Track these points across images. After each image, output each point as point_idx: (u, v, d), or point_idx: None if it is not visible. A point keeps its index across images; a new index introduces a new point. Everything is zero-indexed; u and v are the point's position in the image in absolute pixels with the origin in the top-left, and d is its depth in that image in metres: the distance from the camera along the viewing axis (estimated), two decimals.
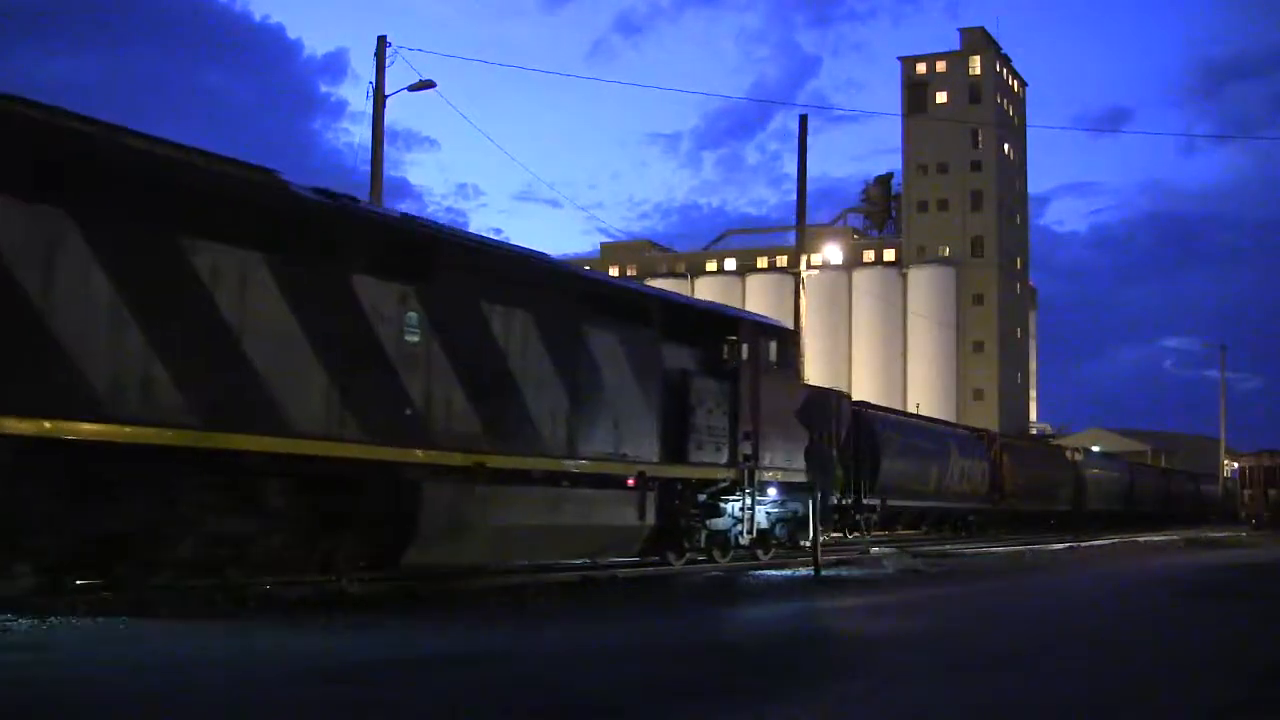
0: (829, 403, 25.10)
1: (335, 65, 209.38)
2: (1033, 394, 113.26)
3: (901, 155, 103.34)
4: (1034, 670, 8.64)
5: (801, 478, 19.02)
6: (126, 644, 8.43)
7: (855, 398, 36.31)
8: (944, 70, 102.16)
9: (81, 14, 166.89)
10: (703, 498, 17.78)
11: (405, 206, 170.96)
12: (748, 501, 18.28)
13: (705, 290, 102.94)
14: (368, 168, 26.67)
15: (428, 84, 27.14)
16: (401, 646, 8.86)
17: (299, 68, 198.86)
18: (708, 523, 17.99)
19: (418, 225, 13.60)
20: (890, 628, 11.36)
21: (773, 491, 19.06)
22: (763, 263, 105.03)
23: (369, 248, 12.40)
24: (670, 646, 9.36)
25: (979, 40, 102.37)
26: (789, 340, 20.34)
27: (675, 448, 16.78)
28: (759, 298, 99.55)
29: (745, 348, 18.48)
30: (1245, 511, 56.00)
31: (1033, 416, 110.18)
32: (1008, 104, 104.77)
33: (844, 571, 18.41)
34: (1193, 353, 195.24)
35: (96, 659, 7.75)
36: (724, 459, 17.73)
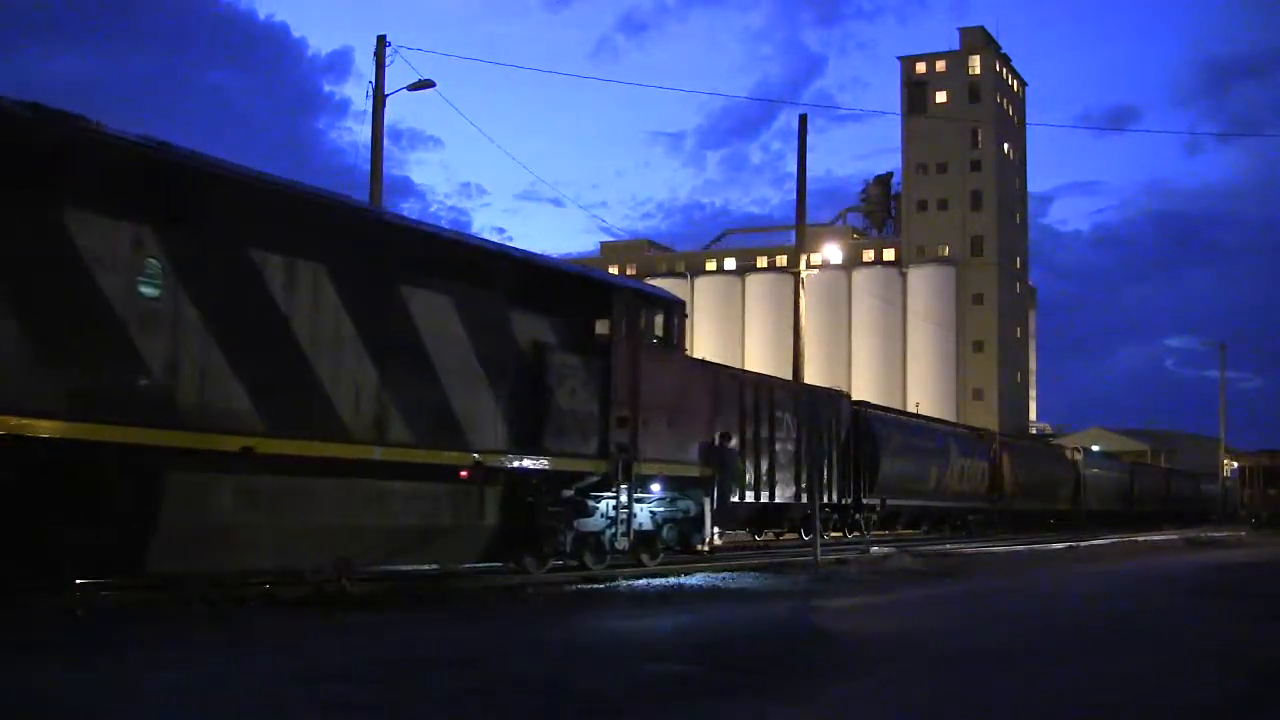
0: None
1: (339, 64, 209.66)
2: (1032, 393, 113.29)
3: (901, 155, 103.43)
4: (1034, 669, 8.64)
5: (694, 471, 17.13)
6: (127, 644, 8.44)
7: (855, 397, 36.34)
8: (944, 70, 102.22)
9: (85, 13, 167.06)
10: (569, 494, 15.23)
11: (408, 205, 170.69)
12: (624, 499, 15.83)
13: (705, 290, 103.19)
14: (369, 166, 26.68)
15: (427, 84, 27.15)
16: (401, 646, 8.85)
17: (303, 67, 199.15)
18: (575, 523, 15.46)
19: (165, 151, 10.82)
20: (891, 628, 11.36)
21: (657, 487, 16.78)
22: (762, 262, 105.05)
23: (90, 175, 9.98)
24: (657, 643, 9.36)
25: (979, 40, 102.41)
26: (676, 313, 17.39)
27: (527, 434, 14.35)
28: (759, 297, 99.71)
29: (622, 320, 15.90)
30: (1245, 511, 56.01)
31: (1032, 416, 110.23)
32: (1007, 103, 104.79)
33: (845, 569, 18.42)
34: (1194, 352, 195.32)
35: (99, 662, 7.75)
36: (593, 449, 15.34)
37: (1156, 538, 37.80)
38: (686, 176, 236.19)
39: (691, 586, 14.74)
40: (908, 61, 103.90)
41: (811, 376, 36.80)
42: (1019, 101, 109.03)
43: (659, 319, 16.93)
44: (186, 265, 10.57)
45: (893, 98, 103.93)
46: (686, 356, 18.09)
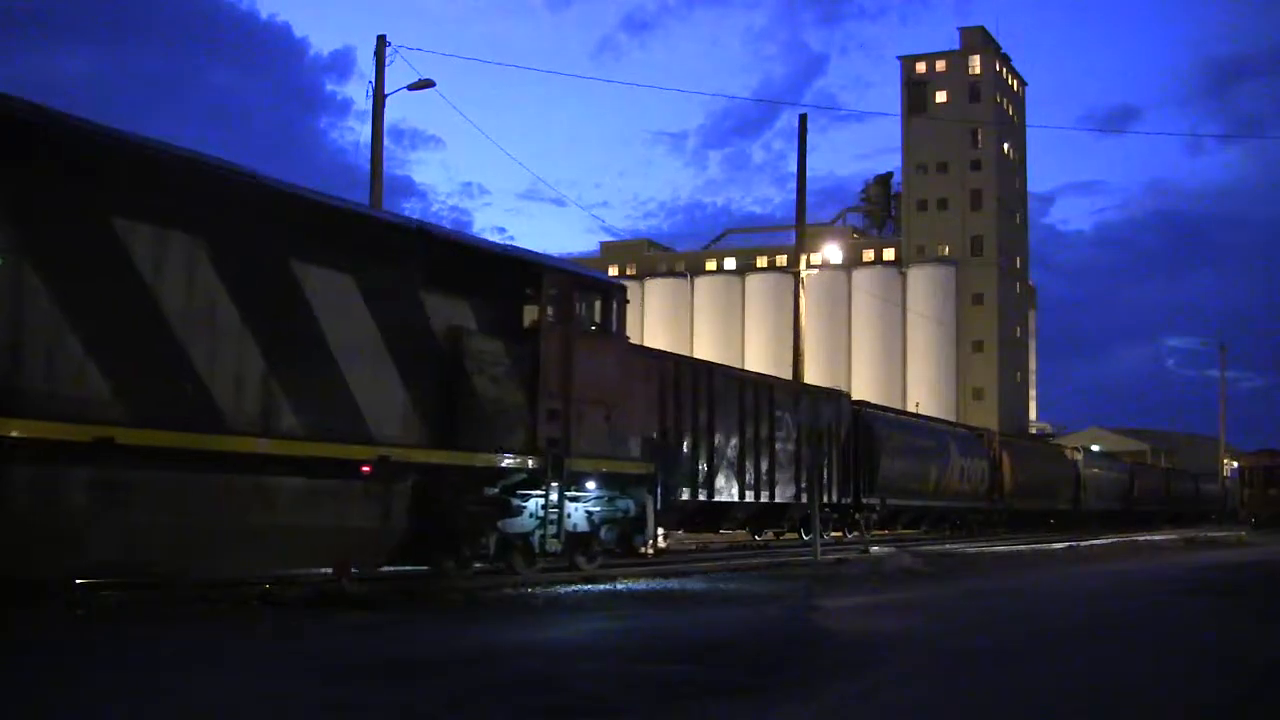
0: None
1: (341, 63, 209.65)
2: (1032, 393, 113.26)
3: (901, 154, 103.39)
4: (1035, 669, 8.64)
5: (635, 468, 15.99)
6: (128, 642, 8.44)
7: (855, 397, 36.36)
8: (944, 70, 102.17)
9: (88, 13, 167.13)
10: (493, 492, 14.00)
11: (410, 205, 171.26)
12: (554, 497, 14.55)
13: (705, 290, 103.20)
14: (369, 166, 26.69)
15: (427, 83, 27.18)
16: (401, 646, 8.86)
17: (305, 66, 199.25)
18: (501, 524, 14.15)
19: (6, 103, 9.69)
20: (891, 627, 11.36)
21: (592, 485, 15.50)
22: (762, 262, 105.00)
23: None
24: (663, 644, 9.36)
25: (979, 40, 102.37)
26: (616, 298, 16.09)
27: (443, 427, 13.17)
28: (759, 297, 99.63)
29: (554, 304, 14.77)
30: (1245, 511, 56.03)
31: (1032, 416, 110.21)
32: (1007, 103, 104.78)
33: (845, 569, 18.42)
34: (1195, 352, 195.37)
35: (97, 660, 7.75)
36: (519, 443, 14.15)
37: (1156, 538, 37.82)
38: (688, 176, 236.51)
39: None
40: (908, 61, 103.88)
41: (811, 376, 36.79)
42: (1019, 101, 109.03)
43: (597, 304, 15.71)
44: (23, 231, 9.38)
45: (894, 97, 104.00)
46: (629, 344, 16.80)
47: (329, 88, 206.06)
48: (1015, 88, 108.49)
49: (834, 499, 29.16)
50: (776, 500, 27.28)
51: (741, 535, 28.91)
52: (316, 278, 11.85)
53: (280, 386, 11.38)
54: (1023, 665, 8.82)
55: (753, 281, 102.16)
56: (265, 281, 11.48)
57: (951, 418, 69.77)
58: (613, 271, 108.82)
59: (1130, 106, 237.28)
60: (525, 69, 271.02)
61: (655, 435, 15.96)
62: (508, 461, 14.03)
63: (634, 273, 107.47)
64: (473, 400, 13.49)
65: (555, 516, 14.62)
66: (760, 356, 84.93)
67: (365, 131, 27.53)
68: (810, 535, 22.06)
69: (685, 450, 22.45)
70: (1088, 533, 42.08)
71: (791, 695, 7.04)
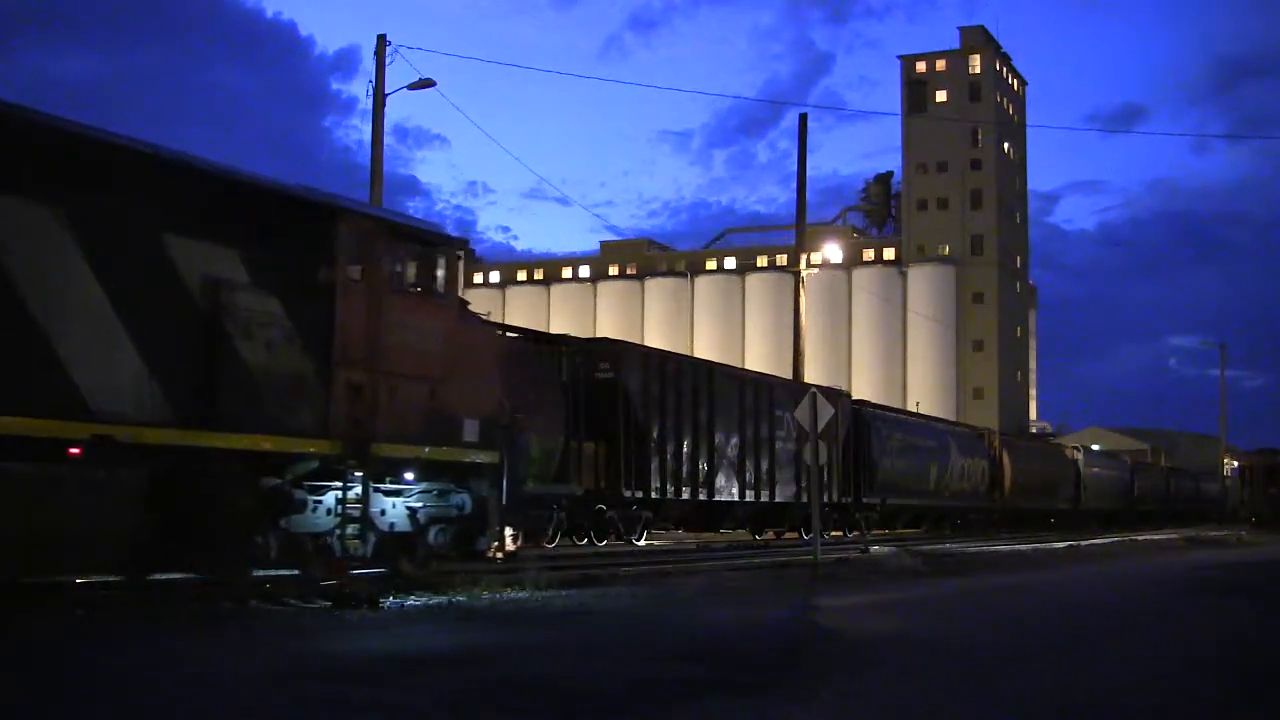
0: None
1: (346, 62, 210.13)
2: (1032, 393, 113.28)
3: (901, 154, 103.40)
4: (1036, 669, 8.64)
5: (472, 456, 13.41)
6: (128, 642, 8.44)
7: (855, 396, 36.38)
8: (944, 69, 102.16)
9: (93, 12, 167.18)
10: (274, 483, 11.59)
11: (414, 204, 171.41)
12: (359, 490, 12.15)
13: (705, 289, 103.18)
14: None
15: (427, 83, 27.21)
16: (401, 646, 8.85)
17: (310, 65, 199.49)
18: (285, 522, 11.74)
19: None
20: (891, 627, 11.36)
21: (411, 476, 13.02)
22: (763, 261, 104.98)
23: None
24: (670, 645, 9.36)
25: (979, 39, 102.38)
26: (444, 254, 13.43)
27: (197, 400, 10.65)
28: (759, 296, 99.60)
29: (354, 257, 12.30)
30: (1245, 510, 56.05)
31: (1033, 415, 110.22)
32: (1008, 103, 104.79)
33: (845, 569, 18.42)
34: (1197, 351, 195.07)
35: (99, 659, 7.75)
36: (309, 424, 11.65)
37: (1156, 537, 37.83)
38: (693, 175, 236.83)
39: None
40: (908, 61, 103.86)
41: (811, 376, 36.82)
42: (1020, 101, 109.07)
43: (418, 260, 13.07)
44: None
45: (898, 97, 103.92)
46: (465, 312, 14.39)
47: (334, 86, 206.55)
48: (1016, 87, 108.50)
49: (834, 498, 29.18)
50: (777, 500, 27.32)
51: (743, 534, 28.92)
52: (3, 213, 9.43)
53: None
54: (1024, 665, 8.82)
55: (753, 281, 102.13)
56: None
57: (951, 417, 69.78)
58: (613, 271, 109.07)
59: (1135, 105, 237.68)
60: (529, 69, 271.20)
61: (504, 419, 13.66)
62: (293, 445, 11.54)
63: (634, 272, 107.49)
64: (237, 370, 10.96)
65: (362, 513, 12.17)
66: (760, 356, 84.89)
67: (369, 130, 27.54)
68: (810, 535, 22.07)
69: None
70: (1088, 532, 42.09)
71: (791, 695, 7.04)
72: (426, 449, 12.93)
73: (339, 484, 11.98)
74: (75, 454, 9.60)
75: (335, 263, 12.04)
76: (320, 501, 12.03)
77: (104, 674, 7.13)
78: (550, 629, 10.15)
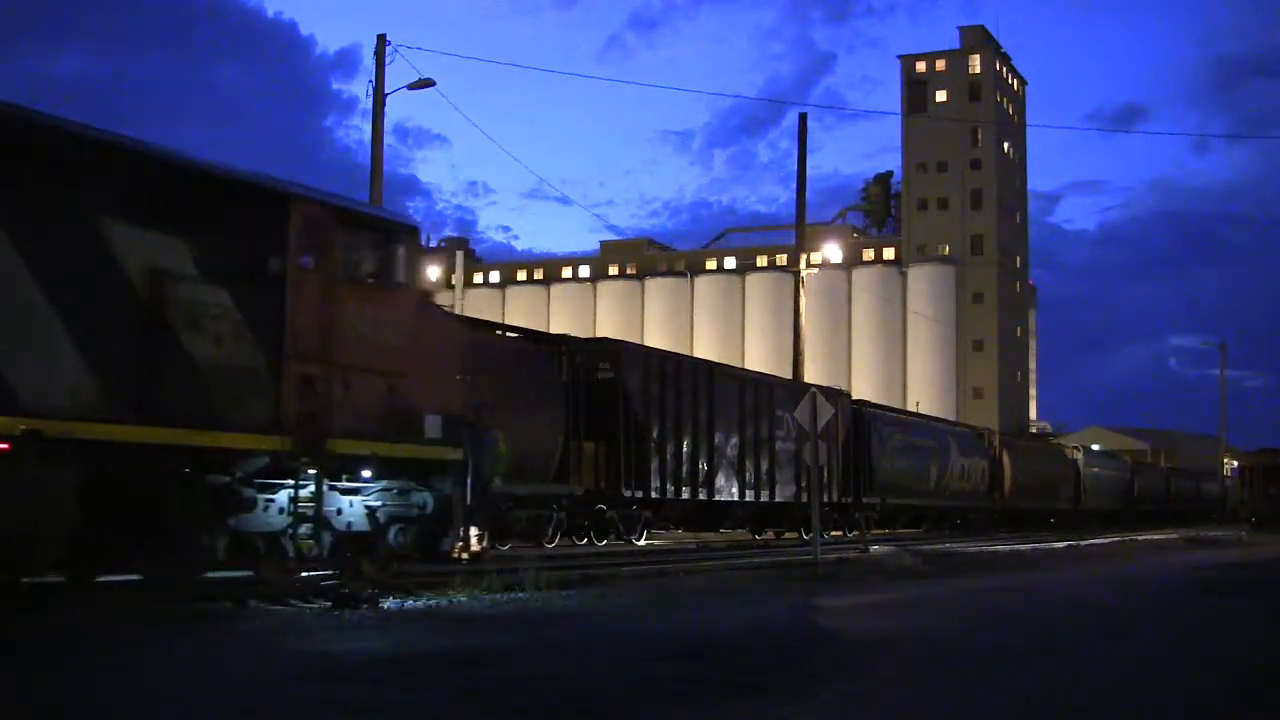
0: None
1: (347, 62, 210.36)
2: (1032, 393, 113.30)
3: (901, 154, 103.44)
4: (1035, 669, 8.64)
5: (434, 453, 12.91)
6: (127, 642, 8.44)
7: (855, 396, 36.40)
8: (944, 69, 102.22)
9: (89, 12, 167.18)
10: (222, 480, 11.15)
11: (414, 204, 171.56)
12: (312, 488, 11.72)
13: (705, 289, 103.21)
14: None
15: (427, 83, 27.21)
16: (402, 646, 8.85)
17: (311, 65, 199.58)
18: (234, 521, 11.29)
19: None
20: (891, 627, 11.36)
21: (369, 474, 12.54)
22: (763, 261, 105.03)
23: None
24: (669, 645, 9.36)
25: (979, 39, 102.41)
26: (402, 242, 12.94)
27: (138, 395, 10.26)
28: (759, 296, 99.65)
29: (306, 245, 11.84)
30: (1245, 510, 56.04)
31: (1033, 415, 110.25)
32: (1007, 102, 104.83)
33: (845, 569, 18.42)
34: (1198, 351, 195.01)
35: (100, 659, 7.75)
36: (258, 418, 11.20)
37: (1156, 537, 37.82)
38: (694, 175, 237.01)
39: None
40: (908, 60, 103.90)
41: (811, 376, 36.83)
42: (1020, 100, 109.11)
43: (375, 248, 12.64)
44: None
45: (898, 96, 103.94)
46: (426, 302, 14.01)
47: (335, 86, 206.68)
48: (1015, 87, 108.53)
49: (834, 498, 29.18)
50: (777, 499, 27.33)
51: (742, 534, 28.93)
52: None
53: None
54: (1024, 665, 8.82)
55: (753, 281, 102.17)
56: None
57: (951, 417, 69.81)
58: (613, 271, 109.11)
59: (1136, 105, 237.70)
60: (529, 69, 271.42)
61: (470, 415, 13.32)
62: (242, 441, 11.07)
63: (634, 272, 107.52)
64: (182, 362, 10.54)
65: (315, 513, 11.70)
66: (760, 356, 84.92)
67: (370, 130, 27.55)
68: (810, 534, 22.06)
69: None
70: (1088, 532, 42.09)
71: (791, 695, 7.03)
72: (386, 446, 12.40)
73: (292, 481, 11.56)
74: (4, 449, 9.15)
75: (286, 250, 11.58)
76: (272, 500, 11.54)
77: (103, 674, 7.13)
78: (550, 629, 10.15)
